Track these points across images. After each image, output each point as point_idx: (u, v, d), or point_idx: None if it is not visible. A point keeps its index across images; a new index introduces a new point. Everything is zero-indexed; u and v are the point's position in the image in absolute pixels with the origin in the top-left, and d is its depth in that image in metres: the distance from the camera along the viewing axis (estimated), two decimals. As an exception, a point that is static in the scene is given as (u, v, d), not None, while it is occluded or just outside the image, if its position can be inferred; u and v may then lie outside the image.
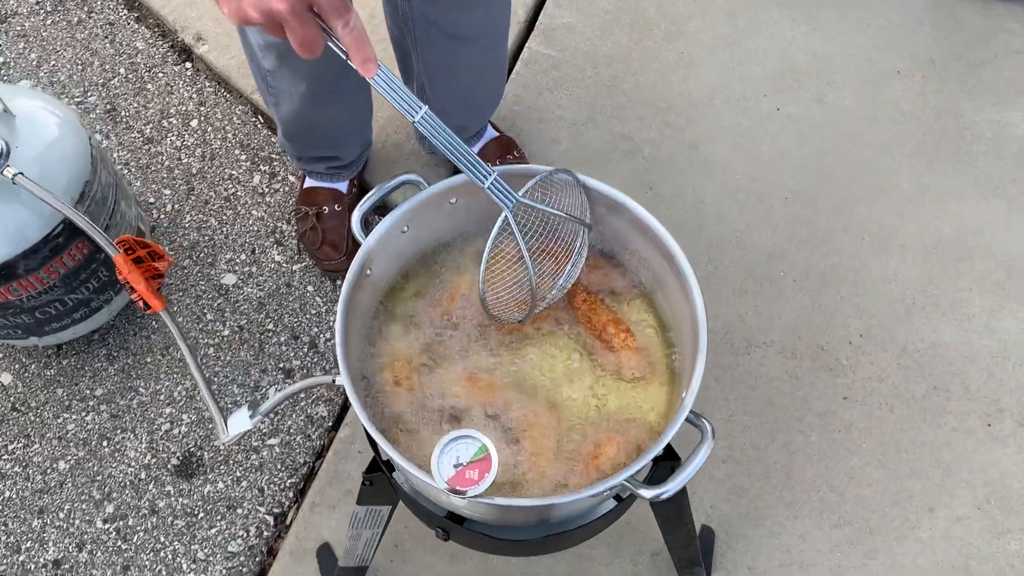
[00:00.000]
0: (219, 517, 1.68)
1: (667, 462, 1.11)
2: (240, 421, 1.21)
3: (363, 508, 1.24)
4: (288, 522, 1.69)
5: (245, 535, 1.67)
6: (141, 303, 1.37)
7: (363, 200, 1.08)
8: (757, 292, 1.87)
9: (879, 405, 1.76)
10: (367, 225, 1.06)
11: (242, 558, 1.65)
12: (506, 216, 0.99)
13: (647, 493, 0.92)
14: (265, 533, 1.67)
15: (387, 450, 0.92)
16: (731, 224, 1.95)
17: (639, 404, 1.07)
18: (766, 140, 2.05)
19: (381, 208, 1.85)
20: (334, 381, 1.04)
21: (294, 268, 1.92)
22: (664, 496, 0.92)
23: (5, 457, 1.73)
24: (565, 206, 1.06)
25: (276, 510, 1.69)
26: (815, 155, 2.03)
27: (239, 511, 1.68)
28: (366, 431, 0.98)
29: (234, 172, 2.03)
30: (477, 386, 1.08)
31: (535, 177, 1.01)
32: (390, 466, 1.11)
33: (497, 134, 1.97)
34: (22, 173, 1.40)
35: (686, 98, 2.11)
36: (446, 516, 1.06)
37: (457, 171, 2.03)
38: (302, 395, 1.79)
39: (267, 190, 2.01)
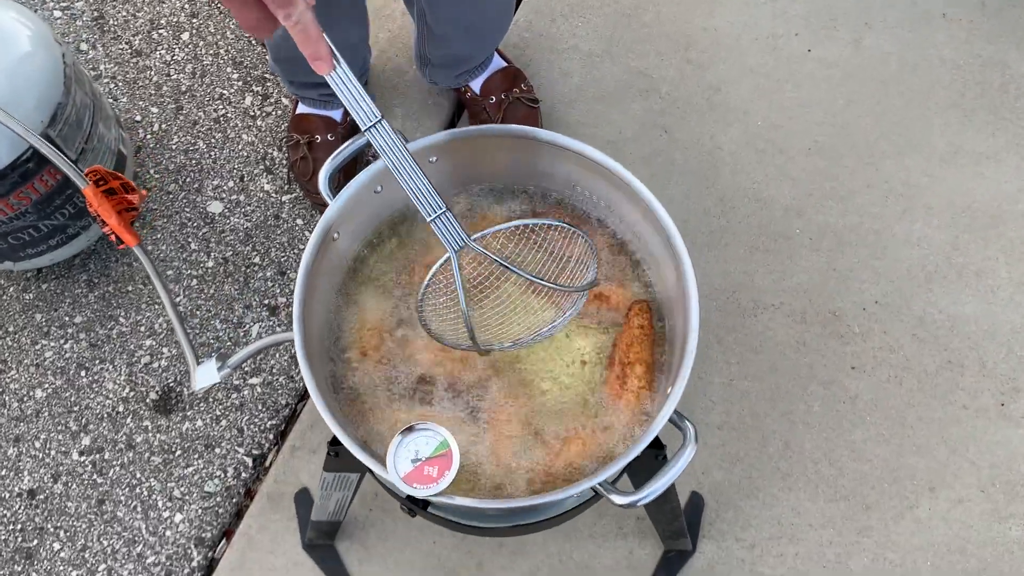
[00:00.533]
0: (196, 456, 1.64)
1: (650, 450, 1.04)
2: (208, 373, 1.15)
3: (331, 474, 1.18)
4: (267, 464, 1.65)
5: (223, 475, 1.63)
6: (114, 237, 1.29)
7: (332, 155, 0.98)
8: (770, 250, 1.77)
9: (888, 377, 1.67)
10: (339, 185, 0.97)
11: (219, 498, 1.61)
12: (448, 258, 0.86)
13: (619, 500, 0.85)
14: (243, 474, 1.63)
15: (343, 439, 0.85)
16: (748, 175, 1.83)
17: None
18: (792, 85, 1.91)
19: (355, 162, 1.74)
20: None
21: (283, 199, 1.82)
22: (637, 504, 0.85)
23: (-19, 382, 1.69)
24: (559, 255, 0.92)
25: (255, 452, 1.65)
26: (844, 104, 1.89)
27: (217, 451, 1.64)
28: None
29: (225, 92, 1.92)
30: (449, 361, 1.00)
31: (507, 224, 0.87)
32: (356, 439, 1.05)
33: (504, 64, 1.84)
34: (-17, 95, 1.31)
35: (711, 34, 1.96)
36: (407, 498, 1.00)
37: (458, 114, 1.92)
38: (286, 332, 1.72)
39: (259, 113, 1.90)
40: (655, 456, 1.02)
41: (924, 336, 1.70)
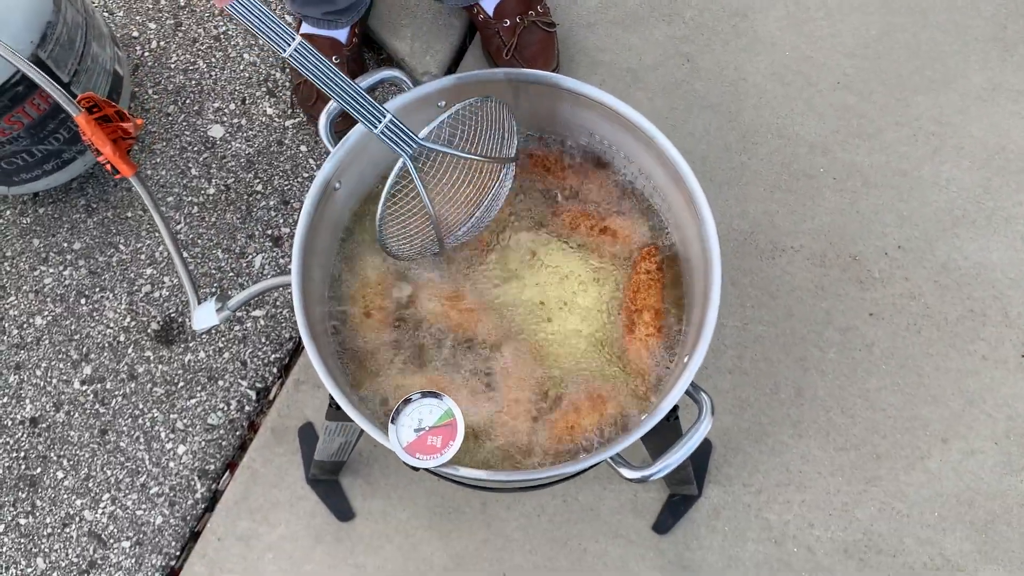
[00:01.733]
0: (199, 388, 1.62)
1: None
2: (207, 314, 1.12)
3: (334, 423, 1.15)
4: (271, 398, 1.63)
5: (226, 408, 1.61)
6: (109, 167, 1.24)
7: (332, 102, 0.91)
8: (791, 189, 1.70)
9: (907, 325, 1.63)
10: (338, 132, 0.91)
11: (222, 431, 1.60)
12: (403, 163, 0.82)
13: (630, 475, 0.82)
14: (247, 407, 1.62)
15: (344, 405, 0.82)
16: (773, 109, 1.75)
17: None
18: (823, 13, 1.80)
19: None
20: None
21: (287, 124, 1.75)
22: (649, 479, 0.81)
23: (-20, 307, 1.66)
24: (484, 137, 0.88)
25: (259, 385, 1.63)
26: (877, 35, 1.79)
27: (220, 383, 1.62)
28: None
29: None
30: (456, 315, 0.96)
31: (445, 113, 0.83)
32: (358, 393, 1.01)
33: (520, -16, 1.74)
34: (-34, 15, 1.23)
35: (740, -45, 1.84)
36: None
37: (470, 36, 1.82)
38: (289, 264, 1.68)
39: (261, 31, 1.81)
40: (667, 419, 0.99)
41: (947, 283, 1.65)
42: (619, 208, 1.00)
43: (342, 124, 0.96)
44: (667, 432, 1.01)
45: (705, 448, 1.57)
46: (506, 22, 1.70)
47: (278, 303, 1.65)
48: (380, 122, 0.80)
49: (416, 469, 0.96)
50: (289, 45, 0.76)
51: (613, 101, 0.91)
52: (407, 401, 0.81)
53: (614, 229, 0.99)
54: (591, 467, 0.83)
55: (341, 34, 1.70)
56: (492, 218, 0.93)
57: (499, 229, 1.00)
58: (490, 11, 1.72)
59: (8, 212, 1.71)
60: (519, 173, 1.01)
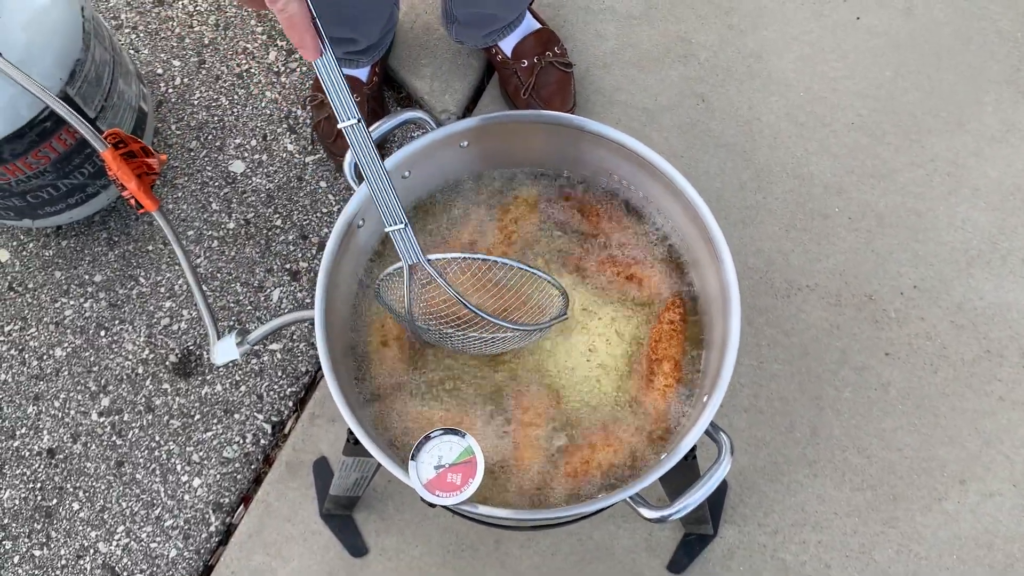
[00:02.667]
0: (216, 420, 1.62)
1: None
2: (227, 349, 1.13)
3: (350, 458, 1.16)
4: (286, 432, 1.63)
5: (241, 441, 1.62)
6: (133, 202, 1.26)
7: (359, 140, 0.93)
8: (806, 228, 1.71)
9: (923, 365, 1.62)
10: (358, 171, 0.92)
11: (237, 464, 1.60)
12: (402, 266, 0.86)
13: (649, 514, 0.82)
14: (262, 441, 1.62)
15: (365, 442, 0.82)
16: (787, 149, 1.76)
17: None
18: (837, 55, 1.82)
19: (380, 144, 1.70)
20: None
21: (307, 160, 1.78)
22: (669, 519, 0.81)
23: (1, 339, 1.68)
24: (523, 293, 0.89)
25: (274, 418, 1.63)
26: (891, 76, 1.81)
27: (236, 416, 1.63)
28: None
29: (248, 46, 1.86)
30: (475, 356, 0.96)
31: (470, 255, 0.86)
32: (377, 429, 1.02)
33: (538, 26, 1.76)
34: (0, 54, 1.26)
35: (754, -2, 1.87)
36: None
37: (488, 76, 1.85)
38: (307, 299, 1.69)
39: (283, 69, 1.84)
40: (685, 458, 0.99)
41: (963, 323, 1.65)
42: (644, 255, 1.01)
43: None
44: (685, 472, 1.01)
45: (720, 487, 1.56)
46: (524, 62, 1.73)
47: (295, 337, 1.67)
48: (397, 224, 0.83)
49: (434, 506, 0.96)
50: (349, 119, 0.80)
51: (633, 143, 0.92)
52: (427, 438, 0.82)
53: (640, 276, 1.00)
54: (610, 506, 0.83)
55: (362, 73, 1.72)
56: (492, 352, 0.93)
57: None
58: (508, 52, 1.74)
59: (32, 244, 1.73)
60: (550, 211, 1.03)
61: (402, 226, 0.83)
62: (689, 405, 0.94)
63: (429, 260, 0.84)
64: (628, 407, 0.96)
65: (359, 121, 0.80)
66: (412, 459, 0.81)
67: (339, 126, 0.81)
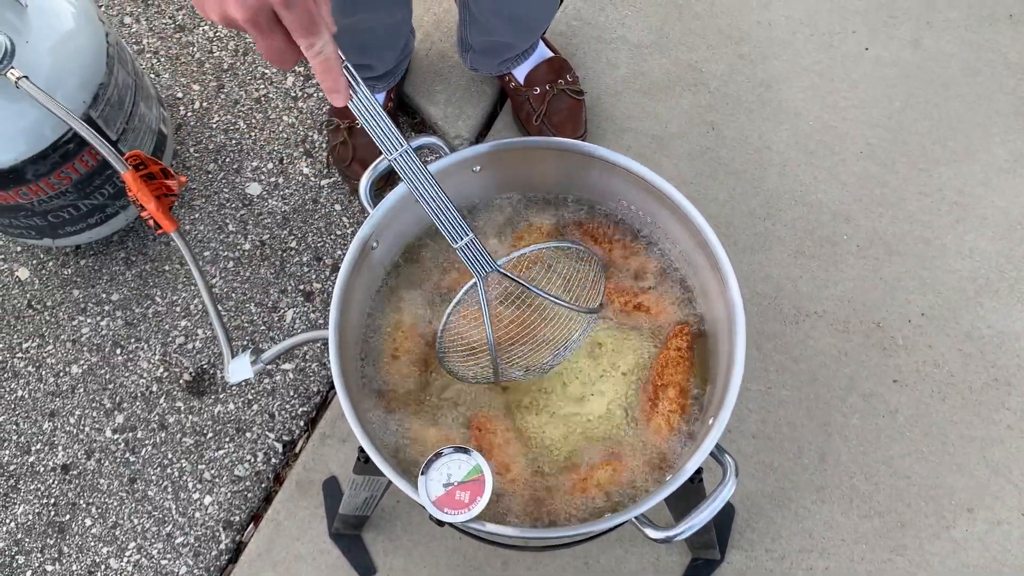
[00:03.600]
0: (227, 439, 1.64)
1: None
2: (242, 367, 1.15)
3: (360, 476, 1.17)
4: (297, 451, 1.65)
5: (252, 460, 1.63)
6: (152, 222, 1.28)
7: (374, 164, 0.95)
8: (815, 256, 1.72)
9: (931, 392, 1.63)
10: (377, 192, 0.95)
11: (248, 483, 1.62)
12: (475, 283, 0.86)
13: (655, 535, 0.83)
14: (273, 460, 1.64)
15: (376, 459, 0.84)
16: (796, 177, 1.78)
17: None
18: (847, 84, 1.85)
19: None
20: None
21: (322, 183, 1.81)
22: (674, 539, 0.82)
23: (19, 355, 1.70)
24: (570, 280, 0.91)
25: (285, 438, 1.65)
26: (900, 107, 1.83)
27: (248, 435, 1.65)
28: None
29: (267, 71, 1.90)
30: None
31: (531, 247, 0.86)
32: (387, 447, 1.03)
33: (551, 54, 1.80)
34: (27, 77, 1.29)
35: (765, 29, 1.90)
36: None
37: (501, 103, 1.88)
38: (319, 320, 1.72)
39: (300, 94, 1.88)
40: (691, 480, 1.00)
41: (971, 351, 1.65)
42: (653, 282, 1.03)
43: (381, 186, 1.00)
44: (691, 495, 1.02)
45: (728, 512, 1.57)
46: (536, 90, 1.76)
47: (307, 356, 1.69)
48: (463, 239, 0.83)
49: (442, 524, 0.98)
50: (396, 150, 0.81)
51: (641, 169, 0.94)
52: (437, 455, 0.83)
53: (647, 305, 1.02)
54: (617, 526, 0.85)
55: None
56: (556, 364, 0.94)
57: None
58: (521, 79, 1.77)
59: (51, 263, 1.76)
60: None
61: (469, 238, 0.84)
62: (695, 428, 0.96)
63: (499, 263, 0.84)
64: (634, 432, 0.97)
65: (405, 148, 0.81)
66: (421, 476, 0.83)
67: (387, 159, 0.81)
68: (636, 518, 0.83)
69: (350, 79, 0.79)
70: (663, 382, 0.97)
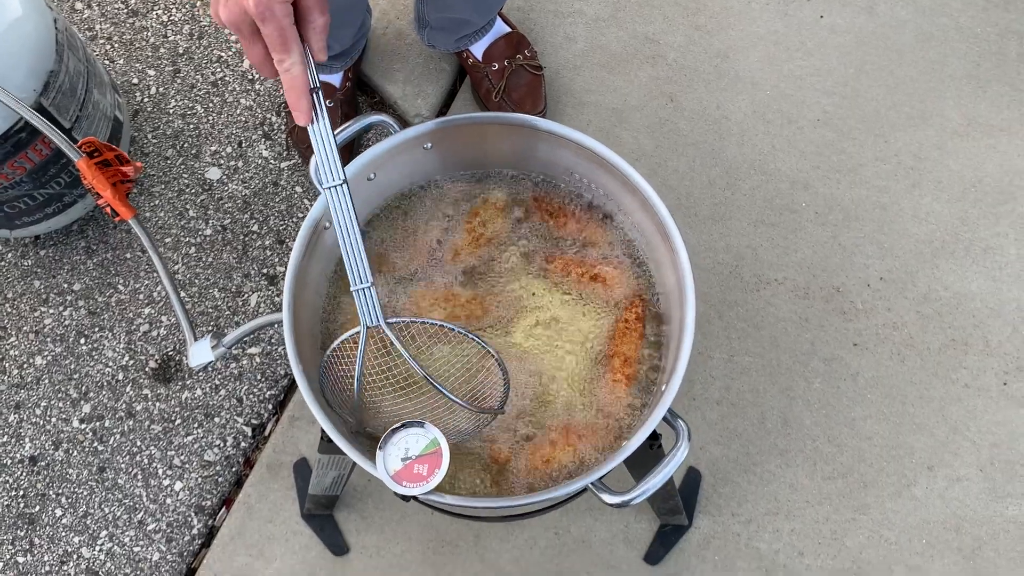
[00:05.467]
0: (196, 425, 1.64)
1: (644, 441, 1.03)
2: (203, 351, 1.15)
3: (326, 456, 1.18)
4: (267, 434, 1.65)
5: (222, 444, 1.64)
6: (109, 210, 1.28)
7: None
8: (774, 223, 1.74)
9: (890, 355, 1.66)
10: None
11: (218, 467, 1.62)
12: (358, 331, 0.87)
13: (610, 499, 0.84)
14: (242, 444, 1.64)
15: (332, 434, 0.85)
16: (754, 146, 1.80)
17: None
18: (802, 53, 1.86)
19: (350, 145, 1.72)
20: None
21: (282, 166, 1.80)
22: (629, 504, 0.84)
23: (-19, 348, 1.69)
24: (472, 370, 0.91)
25: (254, 421, 1.65)
26: (855, 73, 1.85)
27: (216, 420, 1.65)
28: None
29: (223, 54, 1.88)
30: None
31: (429, 320, 0.87)
32: (349, 426, 1.04)
33: (508, 30, 1.79)
34: (-28, 66, 1.28)
35: (720, -1, 1.91)
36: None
37: (460, 80, 1.88)
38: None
39: (257, 77, 1.86)
40: (649, 446, 1.01)
41: (928, 313, 1.68)
42: (608, 253, 1.04)
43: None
44: (651, 461, 1.03)
45: (694, 478, 1.59)
46: (495, 66, 1.75)
47: (273, 340, 1.69)
48: (363, 283, 0.85)
49: (404, 497, 0.99)
50: (334, 181, 0.83)
51: (583, 137, 0.95)
52: (394, 431, 0.84)
53: (603, 276, 1.03)
54: (574, 493, 0.86)
55: (335, 78, 1.75)
56: (434, 437, 0.90)
57: (497, 271, 1.04)
58: (479, 55, 1.77)
59: (10, 255, 1.75)
60: (516, 212, 1.06)
61: (368, 285, 0.85)
62: (650, 396, 0.97)
63: (388, 321, 0.85)
64: (591, 403, 0.98)
65: (344, 183, 0.83)
66: (379, 451, 0.84)
67: (322, 187, 0.84)
68: (592, 484, 0.84)
69: (316, 104, 0.82)
70: (616, 352, 0.99)
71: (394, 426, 0.84)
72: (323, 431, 1.08)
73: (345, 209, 0.84)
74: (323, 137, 0.82)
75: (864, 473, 1.60)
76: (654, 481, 0.84)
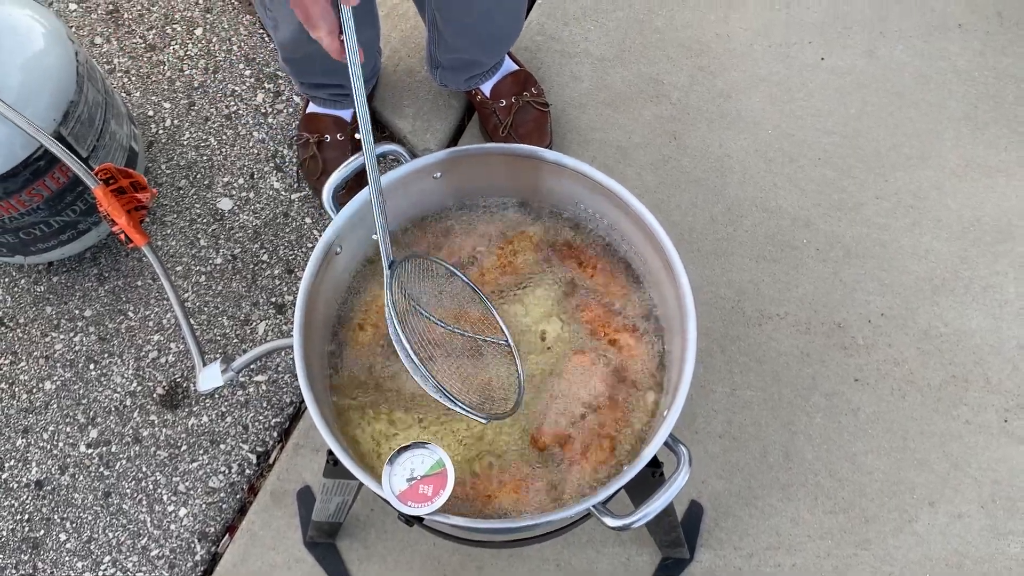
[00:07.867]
0: (202, 451, 1.66)
1: (646, 468, 1.05)
2: (212, 376, 1.17)
3: (331, 480, 1.19)
4: (271, 462, 1.66)
5: (227, 471, 1.65)
6: (123, 237, 1.30)
7: (338, 169, 0.98)
8: (776, 259, 1.77)
9: (891, 390, 1.67)
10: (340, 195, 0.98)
11: (223, 494, 1.63)
12: (417, 256, 0.92)
13: (612, 523, 0.86)
14: (247, 471, 1.65)
15: (340, 455, 0.86)
16: (756, 184, 1.83)
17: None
18: (804, 94, 1.90)
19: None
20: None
21: (293, 197, 1.83)
22: (630, 527, 0.85)
23: (-8, 373, 1.71)
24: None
25: (259, 448, 1.66)
26: (855, 114, 1.89)
27: (222, 447, 1.66)
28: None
29: (237, 88, 1.93)
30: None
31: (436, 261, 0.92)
32: (355, 449, 1.06)
33: (516, 67, 1.84)
34: (-4, 95, 1.31)
35: (724, 41, 1.95)
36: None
37: (468, 116, 1.92)
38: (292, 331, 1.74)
39: (270, 110, 1.91)
40: (651, 473, 1.03)
41: (929, 350, 1.70)
42: (616, 288, 1.06)
43: (344, 196, 1.03)
44: (653, 488, 1.05)
45: (696, 512, 1.60)
46: (502, 102, 1.80)
47: (279, 368, 1.71)
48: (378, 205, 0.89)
49: (408, 519, 1.00)
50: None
51: (586, 168, 0.97)
52: (400, 451, 0.86)
53: (621, 344, 1.04)
54: (577, 516, 0.87)
55: (346, 113, 1.79)
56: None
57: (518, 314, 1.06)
58: (487, 92, 1.81)
59: (23, 280, 1.78)
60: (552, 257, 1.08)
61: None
62: (654, 422, 0.99)
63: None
64: (595, 426, 1.00)
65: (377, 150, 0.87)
66: (385, 472, 0.85)
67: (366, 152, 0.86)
68: (595, 506, 0.86)
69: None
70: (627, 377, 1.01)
71: (401, 447, 0.86)
72: (330, 453, 1.10)
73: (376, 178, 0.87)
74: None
75: (866, 508, 1.60)
76: (656, 504, 0.86)
